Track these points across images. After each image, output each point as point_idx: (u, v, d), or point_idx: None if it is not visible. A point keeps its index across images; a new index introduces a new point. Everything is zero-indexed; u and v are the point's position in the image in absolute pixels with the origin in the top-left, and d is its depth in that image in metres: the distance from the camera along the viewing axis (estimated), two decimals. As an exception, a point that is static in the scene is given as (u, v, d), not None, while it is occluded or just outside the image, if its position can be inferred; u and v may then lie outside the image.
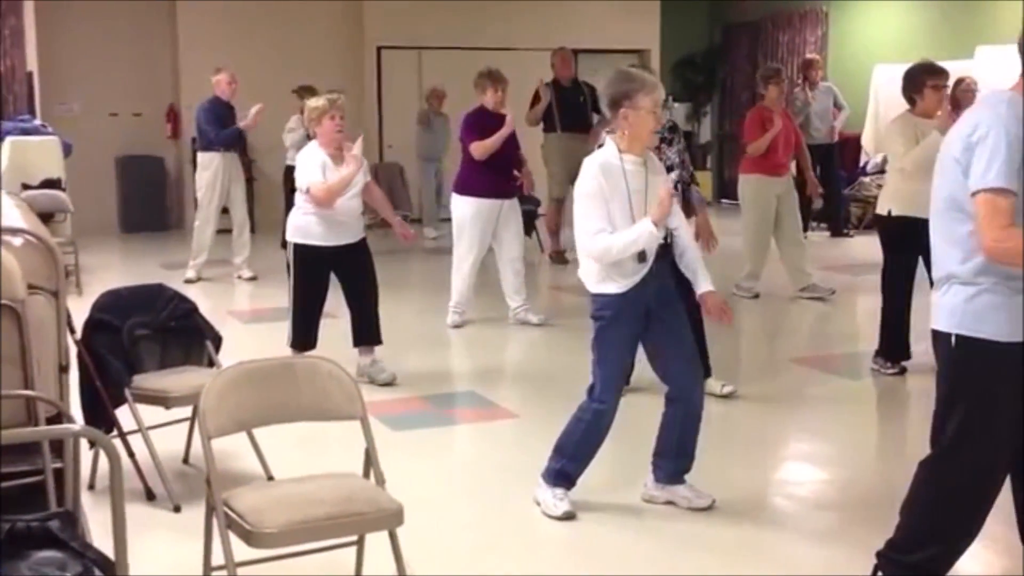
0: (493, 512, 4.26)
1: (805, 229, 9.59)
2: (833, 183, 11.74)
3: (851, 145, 12.28)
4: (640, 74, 3.95)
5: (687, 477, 4.20)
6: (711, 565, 3.74)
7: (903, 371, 6.03)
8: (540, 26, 13.20)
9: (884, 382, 6.03)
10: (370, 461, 3.24)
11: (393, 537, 3.12)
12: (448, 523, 4.13)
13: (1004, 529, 3.40)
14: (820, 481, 4.75)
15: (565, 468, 4.12)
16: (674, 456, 4.16)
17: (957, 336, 3.00)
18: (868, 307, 8.02)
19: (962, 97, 8.95)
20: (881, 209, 5.96)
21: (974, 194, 2.87)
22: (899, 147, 5.80)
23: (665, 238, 4.02)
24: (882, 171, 12.29)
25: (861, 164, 12.61)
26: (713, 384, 5.48)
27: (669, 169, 5.24)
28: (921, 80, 5.79)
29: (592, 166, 3.92)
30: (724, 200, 14.66)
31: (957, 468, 3.08)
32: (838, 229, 11.68)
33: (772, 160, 8.04)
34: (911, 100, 5.85)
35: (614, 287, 3.92)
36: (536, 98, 9.42)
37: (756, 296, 8.28)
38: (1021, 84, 2.95)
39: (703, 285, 4.09)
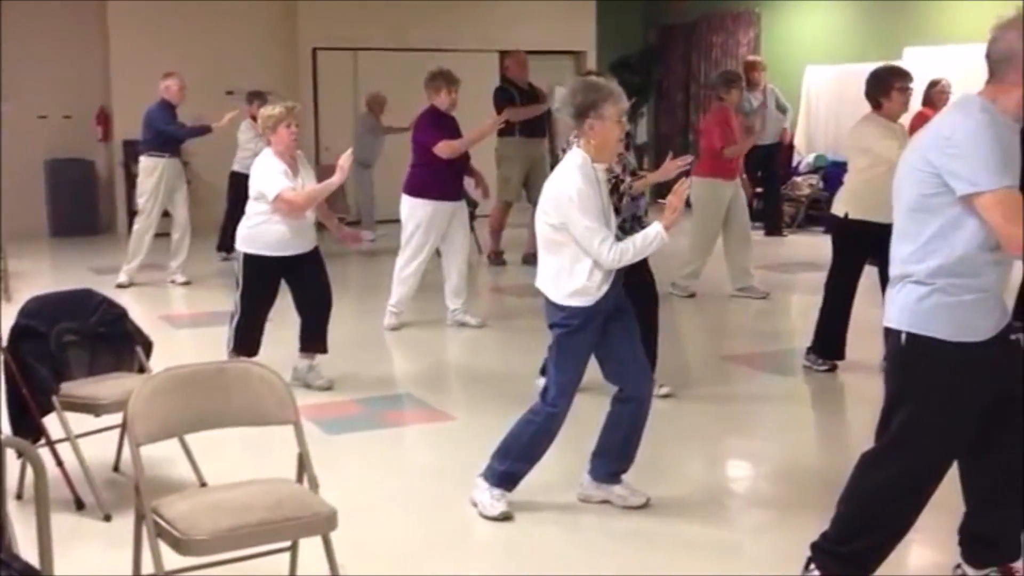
0: (429, 514, 4.24)
1: None
2: (774, 184, 11.90)
3: (783, 146, 12.44)
4: (605, 83, 3.96)
5: (623, 476, 4.23)
6: (647, 562, 3.77)
7: (834, 368, 6.12)
8: (476, 28, 13.21)
9: (816, 379, 6.12)
10: (303, 466, 3.22)
11: (326, 541, 3.10)
12: (383, 526, 4.11)
13: (936, 521, 3.47)
14: (754, 476, 4.82)
15: (511, 469, 4.12)
16: (616, 456, 4.18)
17: (907, 334, 3.06)
18: (802, 305, 8.15)
19: (937, 99, 9.07)
20: (837, 211, 6.02)
21: (973, 196, 2.88)
22: (877, 145, 5.77)
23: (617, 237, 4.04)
24: (814, 171, 12.50)
25: (794, 164, 12.79)
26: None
27: (632, 172, 5.29)
28: (889, 83, 5.85)
29: (572, 170, 3.91)
30: (661, 200, 14.77)
31: (899, 463, 3.14)
32: (775, 228, 11.84)
33: (728, 164, 8.14)
34: (877, 103, 5.89)
35: (584, 300, 3.93)
36: (508, 101, 9.44)
37: (692, 295, 8.36)
38: (990, 91, 3.00)
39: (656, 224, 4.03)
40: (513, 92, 9.50)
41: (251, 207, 5.63)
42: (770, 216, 11.87)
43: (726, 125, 8.15)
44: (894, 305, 3.10)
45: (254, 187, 5.58)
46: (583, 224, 3.84)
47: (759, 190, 11.66)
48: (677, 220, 3.92)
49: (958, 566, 3.44)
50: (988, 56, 3.01)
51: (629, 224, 5.05)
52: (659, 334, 5.58)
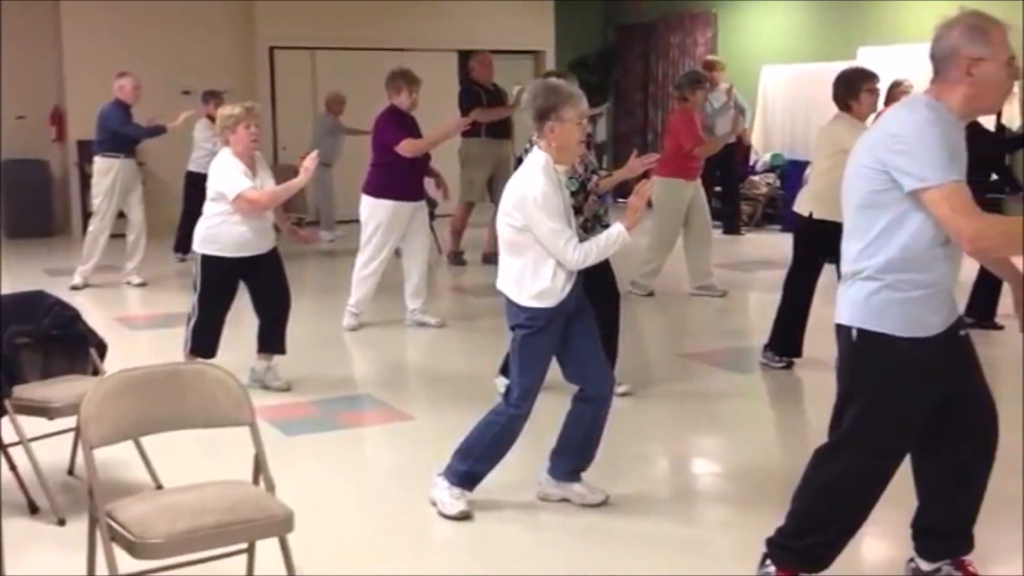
0: (387, 514, 4.23)
1: None
2: (732, 183, 11.98)
3: (740, 145, 12.52)
4: (565, 86, 3.98)
5: (582, 474, 4.24)
6: (606, 560, 3.78)
7: (790, 365, 6.18)
8: (435, 27, 13.20)
9: (773, 375, 6.17)
10: (259, 467, 3.20)
11: (283, 543, 3.09)
12: (341, 527, 4.09)
13: (891, 515, 3.51)
14: (712, 473, 4.85)
15: (472, 470, 4.12)
16: (575, 454, 4.19)
17: (858, 330, 3.09)
18: (760, 303, 8.21)
19: (900, 98, 9.17)
20: (801, 210, 6.06)
21: (921, 191, 2.90)
22: (852, 146, 5.79)
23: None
24: (771, 170, 12.61)
25: (751, 163, 12.88)
26: None
27: (593, 172, 5.30)
28: (858, 85, 5.90)
29: (536, 172, 3.91)
30: (620, 199, 14.82)
31: (851, 457, 3.17)
32: (733, 227, 11.92)
33: (690, 164, 8.17)
34: (846, 105, 5.93)
35: (548, 301, 3.93)
36: (475, 103, 9.43)
37: (651, 294, 8.40)
38: (935, 89, 3.04)
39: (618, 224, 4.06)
40: (479, 93, 9.50)
41: (209, 207, 5.59)
42: (728, 215, 11.95)
43: (692, 125, 8.19)
44: (845, 302, 3.13)
45: (212, 187, 5.54)
46: (547, 226, 3.85)
47: (717, 189, 11.74)
48: (639, 220, 3.96)
49: (911, 560, 3.48)
50: (932, 55, 3.05)
51: (591, 223, 5.07)
52: (619, 333, 5.61)
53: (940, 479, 3.33)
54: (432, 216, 10.01)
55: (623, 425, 5.20)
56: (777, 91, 12.89)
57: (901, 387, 3.09)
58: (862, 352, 3.10)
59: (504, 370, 5.48)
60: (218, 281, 5.60)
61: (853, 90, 5.90)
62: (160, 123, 9.05)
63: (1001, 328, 6.78)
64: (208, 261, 5.57)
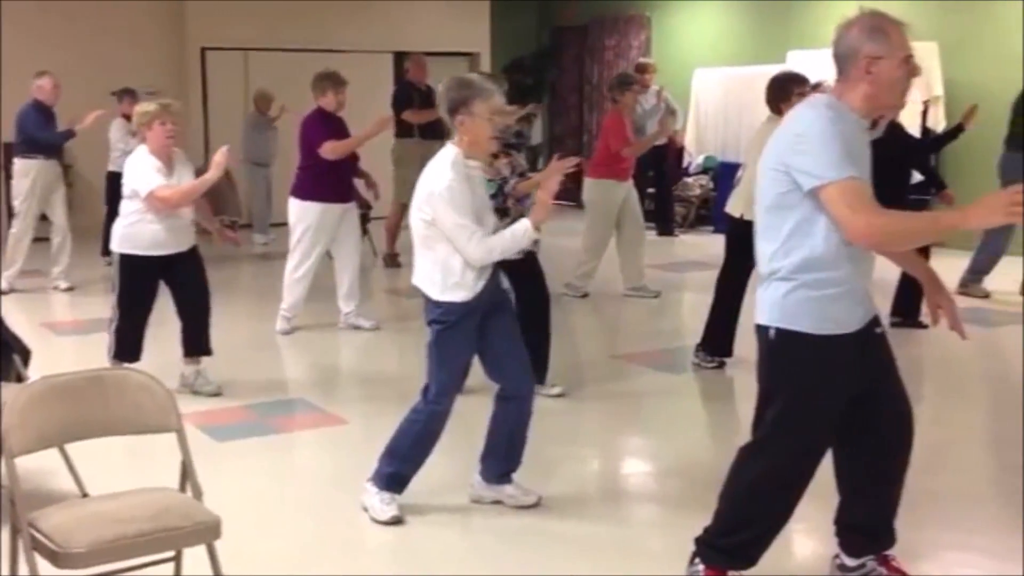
0: (319, 520, 4.20)
1: None
2: (665, 184, 12.08)
3: (672, 147, 12.63)
4: (477, 80, 3.98)
5: (514, 475, 4.25)
6: (539, 561, 3.79)
7: (722, 365, 6.25)
8: (370, 28, 13.13)
9: (705, 375, 6.24)
10: (186, 474, 3.16)
11: (211, 551, 3.05)
12: (272, 533, 4.05)
13: (818, 512, 3.56)
14: (645, 473, 4.88)
15: (398, 471, 4.10)
16: (504, 455, 4.20)
17: (776, 329, 3.13)
18: (692, 304, 8.29)
19: None
20: (732, 211, 6.13)
21: (818, 189, 2.95)
22: None
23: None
24: (704, 171, 12.74)
25: (684, 165, 13.00)
26: (543, 386, 5.56)
27: (521, 174, 5.30)
28: (789, 89, 5.98)
29: (445, 167, 3.90)
30: (557, 201, 14.88)
31: (773, 456, 3.22)
32: (667, 228, 12.02)
33: (621, 165, 8.22)
34: (778, 108, 6.00)
35: (461, 294, 3.92)
36: (406, 103, 9.38)
37: (585, 295, 8.44)
38: (838, 88, 3.10)
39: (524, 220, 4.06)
40: (412, 94, 9.49)
41: (125, 206, 5.53)
42: (662, 216, 12.05)
43: (621, 126, 8.26)
44: (763, 302, 3.18)
45: (127, 185, 5.48)
46: (452, 220, 3.84)
47: (651, 191, 11.83)
48: (545, 216, 3.95)
49: (837, 556, 3.54)
50: (834, 55, 3.12)
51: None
52: (552, 334, 5.63)
53: (858, 476, 3.39)
54: (367, 219, 9.97)
55: (557, 426, 5.23)
56: (710, 94, 13.02)
57: (818, 385, 3.14)
58: (780, 351, 3.15)
59: None
60: (136, 281, 5.53)
61: (785, 93, 5.98)
62: (71, 127, 8.75)
63: (926, 327, 6.91)
64: (126, 260, 5.51)
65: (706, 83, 13.08)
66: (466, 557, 3.87)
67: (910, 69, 3.05)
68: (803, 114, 3.10)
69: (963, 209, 2.89)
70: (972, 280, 8.31)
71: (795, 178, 3.00)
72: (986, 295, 8.21)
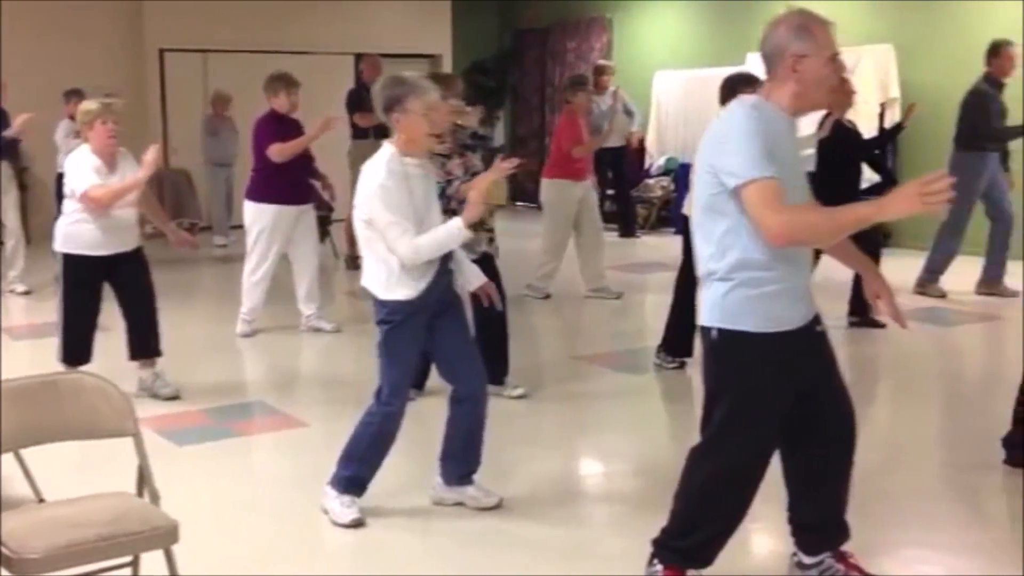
0: (280, 524, 4.17)
1: None
2: (624, 185, 12.13)
3: (631, 148, 12.69)
4: (411, 78, 3.96)
5: (475, 476, 4.25)
6: (501, 562, 3.78)
7: (683, 365, 6.28)
8: (330, 30, 13.09)
9: (666, 376, 6.27)
10: (144, 478, 3.13)
11: (168, 555, 3.03)
12: (232, 538, 4.03)
13: (775, 511, 3.58)
14: (606, 474, 4.89)
15: (357, 474, 4.09)
16: (462, 457, 4.19)
17: (718, 330, 3.15)
18: (654, 305, 8.31)
19: None
20: (687, 212, 6.15)
21: (739, 188, 2.98)
22: None
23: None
24: (665, 173, 12.80)
25: (646, 167, 13.06)
26: (504, 387, 5.57)
27: (474, 174, 5.29)
28: (739, 90, 5.98)
29: (379, 165, 3.90)
30: (519, 203, 14.90)
31: (722, 456, 3.24)
32: (628, 230, 12.06)
33: (576, 165, 8.25)
34: None
35: (404, 292, 3.92)
36: (359, 105, 9.36)
37: (547, 297, 8.46)
38: (766, 88, 3.13)
39: (474, 281, 4.15)
40: (364, 95, 9.45)
41: (67, 205, 5.50)
42: (623, 218, 12.10)
43: (574, 127, 8.29)
44: (704, 303, 3.19)
45: (67, 184, 5.45)
46: (384, 218, 3.84)
47: (610, 192, 11.88)
48: (475, 216, 3.94)
49: (794, 554, 3.57)
50: (762, 54, 3.15)
51: (473, 227, 5.07)
52: (512, 335, 5.63)
53: (803, 475, 3.41)
54: (329, 221, 9.95)
55: (518, 427, 5.24)
56: (670, 95, 13.09)
57: (763, 383, 3.16)
58: (723, 351, 3.16)
59: None
60: (80, 281, 5.49)
61: (734, 94, 6.00)
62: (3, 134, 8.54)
63: (883, 326, 6.99)
64: (68, 260, 5.48)
65: (667, 85, 13.15)
66: (425, 559, 3.86)
67: (837, 67, 3.09)
68: (728, 114, 3.13)
69: (880, 200, 2.92)
70: (928, 280, 8.41)
71: (721, 179, 3.02)
72: (942, 295, 8.31)
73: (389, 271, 3.92)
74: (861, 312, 7.16)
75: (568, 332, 7.96)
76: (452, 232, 3.90)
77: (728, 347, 3.14)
